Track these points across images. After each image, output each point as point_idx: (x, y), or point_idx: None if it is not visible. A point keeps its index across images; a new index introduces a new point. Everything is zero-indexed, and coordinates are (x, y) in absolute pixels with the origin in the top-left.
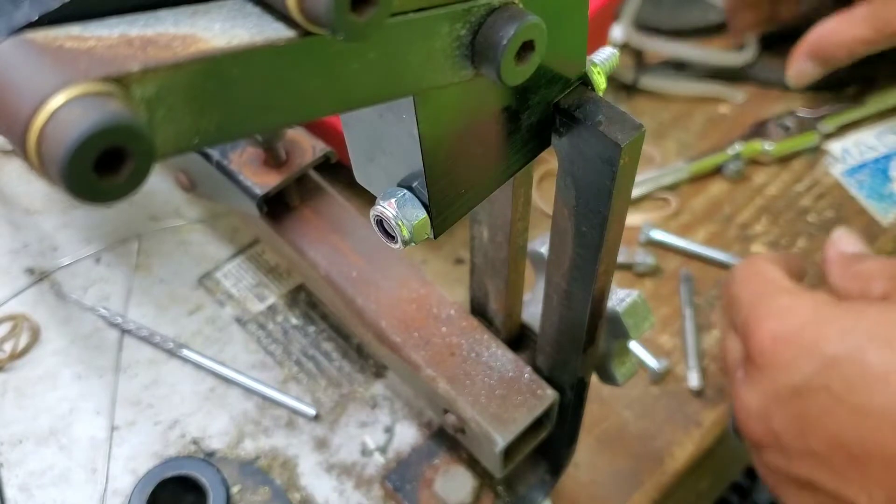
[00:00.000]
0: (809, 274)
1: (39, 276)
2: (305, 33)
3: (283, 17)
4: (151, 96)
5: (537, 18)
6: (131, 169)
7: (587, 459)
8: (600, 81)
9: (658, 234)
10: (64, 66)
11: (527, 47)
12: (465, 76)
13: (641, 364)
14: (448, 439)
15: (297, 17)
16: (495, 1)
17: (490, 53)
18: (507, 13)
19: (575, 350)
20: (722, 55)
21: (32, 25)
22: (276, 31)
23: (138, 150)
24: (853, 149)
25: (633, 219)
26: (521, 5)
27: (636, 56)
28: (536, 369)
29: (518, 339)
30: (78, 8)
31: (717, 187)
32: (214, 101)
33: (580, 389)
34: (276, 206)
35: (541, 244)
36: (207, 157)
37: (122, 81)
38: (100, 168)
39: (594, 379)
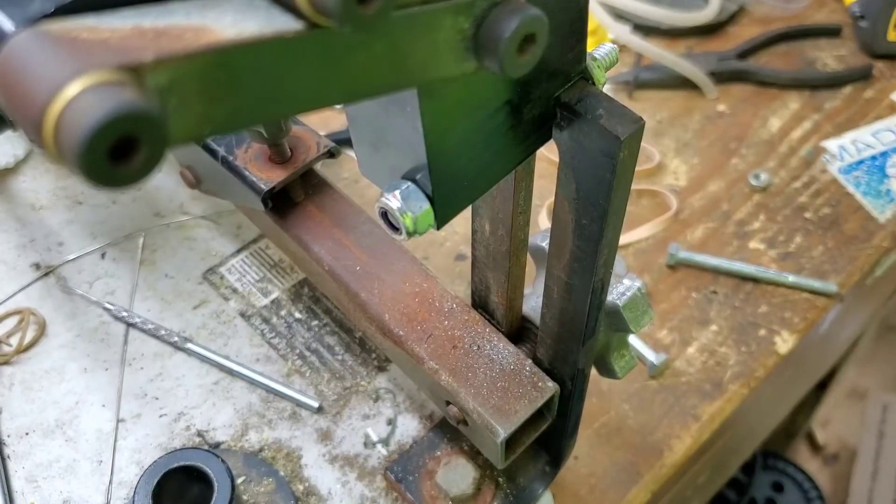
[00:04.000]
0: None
1: (45, 271)
2: (313, 25)
3: (291, 9)
4: (164, 86)
5: (539, 12)
6: (145, 156)
7: (587, 452)
8: (600, 76)
9: (685, 254)
10: (79, 56)
11: (529, 40)
12: (469, 68)
13: (640, 358)
14: (450, 431)
15: (306, 9)
16: None
17: (493, 46)
18: (510, 7)
19: (575, 342)
20: (687, 15)
21: (48, 17)
22: (285, 23)
23: (152, 138)
24: (850, 146)
25: (640, 232)
26: None
27: (636, 54)
28: (537, 362)
29: (519, 331)
30: (92, 0)
31: (715, 185)
32: (225, 90)
33: (580, 382)
34: (280, 202)
35: (541, 238)
36: (212, 152)
37: (136, 71)
38: (114, 155)
39: (594, 373)
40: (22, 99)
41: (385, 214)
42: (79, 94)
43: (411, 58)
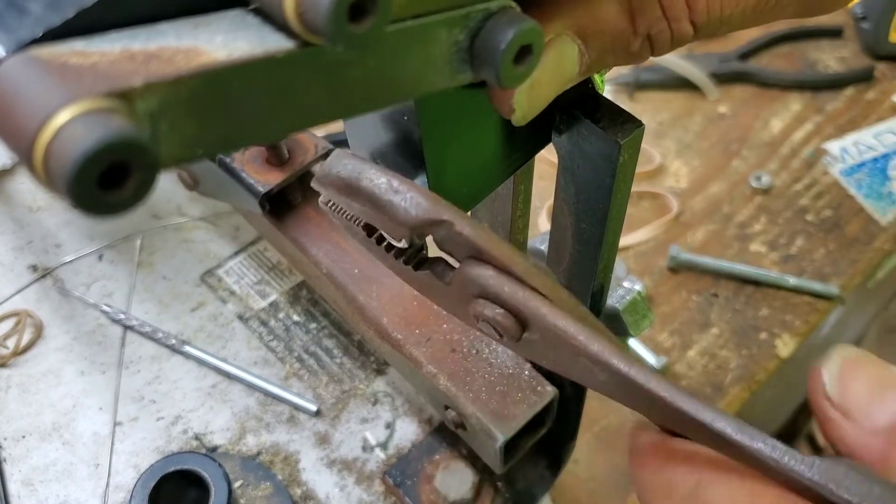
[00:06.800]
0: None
1: (43, 273)
2: (305, 44)
3: (283, 27)
4: (155, 110)
5: (535, 22)
6: (136, 182)
7: (587, 456)
8: (599, 79)
9: (686, 257)
10: (68, 83)
11: (525, 51)
12: (465, 80)
13: None
14: (448, 435)
15: (297, 27)
16: (493, 6)
17: (489, 58)
18: (505, 17)
19: None
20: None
21: (37, 41)
22: (277, 43)
23: (142, 164)
24: (852, 148)
25: (640, 234)
26: (518, 9)
27: None
28: (536, 366)
29: None
30: (81, 23)
31: (716, 186)
32: (217, 112)
33: (580, 386)
34: (278, 204)
35: (541, 241)
36: None
37: (125, 96)
38: (105, 182)
39: None
40: (11, 128)
41: None
42: (67, 123)
43: (406, 72)
